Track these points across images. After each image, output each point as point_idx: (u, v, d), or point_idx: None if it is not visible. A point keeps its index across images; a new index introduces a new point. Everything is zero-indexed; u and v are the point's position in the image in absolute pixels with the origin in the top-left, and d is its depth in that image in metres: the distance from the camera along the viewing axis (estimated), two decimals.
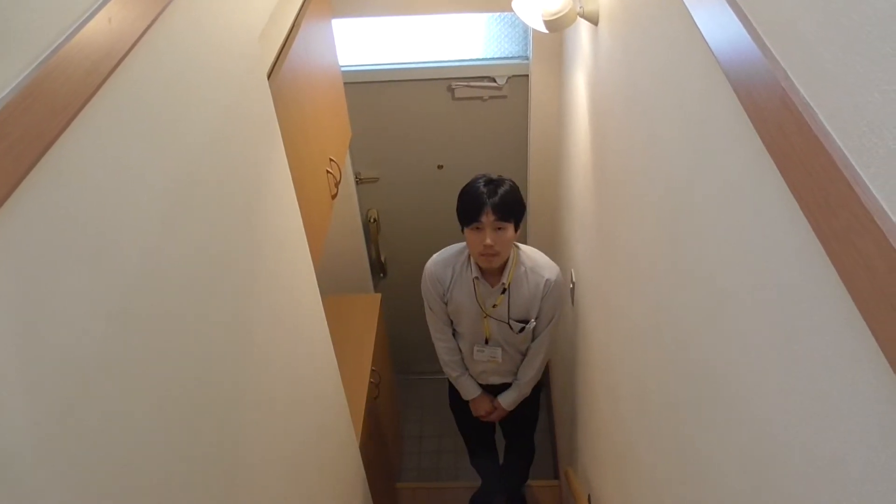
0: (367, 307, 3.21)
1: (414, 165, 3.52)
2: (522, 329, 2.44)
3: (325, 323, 1.98)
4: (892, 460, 0.55)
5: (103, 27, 0.79)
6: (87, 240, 0.76)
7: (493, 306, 2.41)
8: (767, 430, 0.81)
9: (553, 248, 3.34)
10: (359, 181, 3.53)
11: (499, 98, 3.28)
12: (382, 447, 3.18)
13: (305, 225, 1.76)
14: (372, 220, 3.66)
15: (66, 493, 0.71)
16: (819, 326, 0.66)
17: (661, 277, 1.28)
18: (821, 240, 0.61)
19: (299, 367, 1.67)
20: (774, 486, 0.80)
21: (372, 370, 2.88)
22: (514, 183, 2.26)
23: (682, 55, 1.09)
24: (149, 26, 0.90)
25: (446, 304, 2.48)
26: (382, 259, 3.80)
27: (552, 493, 3.46)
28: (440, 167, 3.52)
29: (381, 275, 3.89)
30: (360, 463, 2.46)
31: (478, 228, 2.21)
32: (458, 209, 2.27)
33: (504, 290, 2.38)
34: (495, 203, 2.17)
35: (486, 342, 2.51)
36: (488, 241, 2.19)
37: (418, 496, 3.54)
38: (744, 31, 0.76)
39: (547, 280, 2.38)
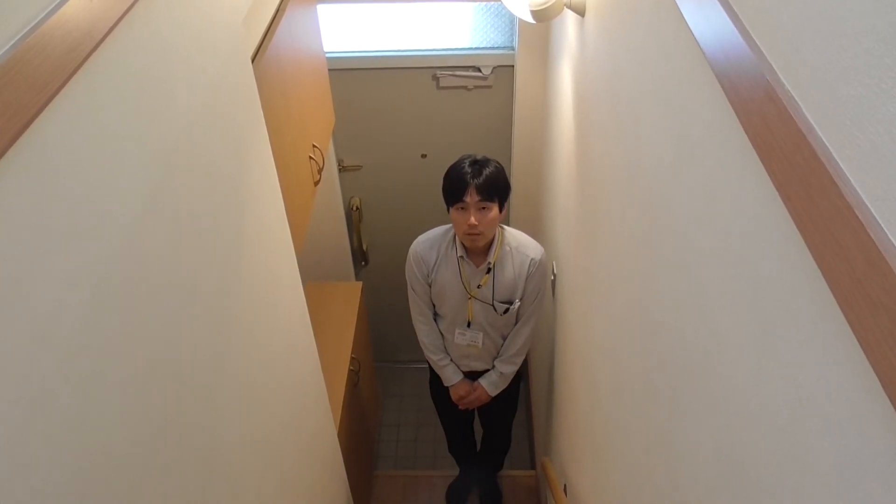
0: (349, 295, 3.20)
1: (397, 154, 3.51)
2: (507, 310, 2.45)
3: (306, 309, 1.97)
4: (863, 447, 0.56)
5: (84, 5, 0.78)
6: (66, 217, 0.75)
7: (478, 287, 2.42)
8: (742, 421, 0.82)
9: (535, 238, 3.33)
10: (342, 169, 3.51)
11: (484, 88, 3.27)
12: (361, 434, 3.18)
13: (288, 210, 1.75)
14: (354, 209, 3.64)
15: (39, 475, 0.70)
16: (796, 317, 0.67)
17: (642, 269, 1.29)
18: (801, 231, 0.61)
19: (279, 351, 1.67)
20: (748, 474, 0.81)
21: (352, 357, 2.88)
22: (499, 164, 2.28)
23: (668, 47, 1.09)
24: (131, 6, 0.89)
25: (430, 285, 2.49)
26: (364, 247, 3.79)
27: (528, 482, 3.49)
28: (424, 156, 3.51)
29: (363, 263, 3.88)
30: (338, 449, 2.46)
31: (462, 208, 2.23)
32: (443, 189, 2.28)
33: (489, 270, 2.40)
34: (479, 183, 2.19)
35: (469, 325, 2.52)
36: (472, 220, 2.21)
37: (395, 483, 3.55)
38: (730, 23, 0.77)
39: (532, 259, 2.41)
